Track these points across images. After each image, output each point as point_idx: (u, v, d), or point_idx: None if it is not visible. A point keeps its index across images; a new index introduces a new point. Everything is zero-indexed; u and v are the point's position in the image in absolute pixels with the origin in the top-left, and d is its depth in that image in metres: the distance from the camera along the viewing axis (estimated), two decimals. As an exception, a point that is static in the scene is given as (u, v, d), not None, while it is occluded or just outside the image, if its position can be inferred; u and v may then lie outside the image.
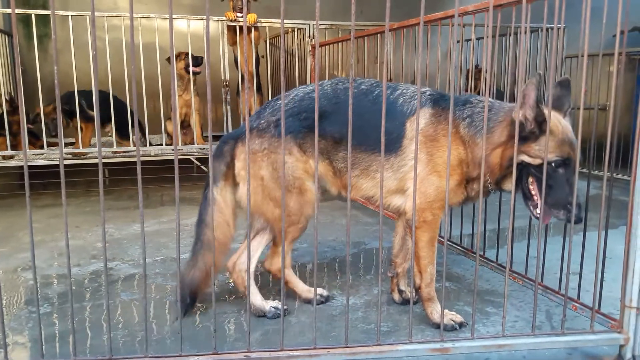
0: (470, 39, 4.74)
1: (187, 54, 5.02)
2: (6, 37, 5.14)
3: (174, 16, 4.65)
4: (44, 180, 4.54)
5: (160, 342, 2.08)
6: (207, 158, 5.16)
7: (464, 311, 2.38)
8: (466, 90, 4.76)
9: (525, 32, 1.92)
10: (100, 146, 1.62)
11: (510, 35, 2.56)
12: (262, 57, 6.61)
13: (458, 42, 4.87)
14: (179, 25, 4.92)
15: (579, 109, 2.05)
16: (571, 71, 4.93)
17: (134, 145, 5.09)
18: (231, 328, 2.23)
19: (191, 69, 4.99)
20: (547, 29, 4.89)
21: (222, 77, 5.02)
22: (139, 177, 1.61)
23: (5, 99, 4.76)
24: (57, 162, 4.60)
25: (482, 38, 4.66)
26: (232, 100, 5.24)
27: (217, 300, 2.49)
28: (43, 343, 1.88)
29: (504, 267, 2.70)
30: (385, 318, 2.31)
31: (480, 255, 2.85)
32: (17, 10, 4.58)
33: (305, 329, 2.20)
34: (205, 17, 1.66)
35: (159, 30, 4.56)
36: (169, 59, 5.05)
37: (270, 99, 5.49)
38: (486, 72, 2.06)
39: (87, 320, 2.31)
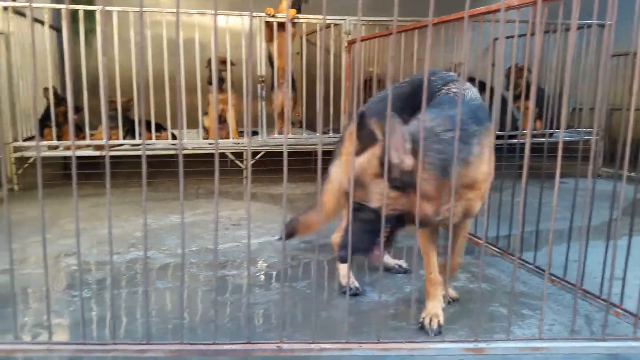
0: (511, 36, 4.64)
1: (222, 60, 5.07)
2: (55, 32, 5.33)
3: (212, 12, 4.72)
4: (86, 171, 4.70)
5: (192, 331, 2.12)
6: (242, 153, 5.25)
7: (498, 312, 2.34)
8: (507, 89, 4.66)
9: (571, 29, 1.87)
10: (144, 139, 1.67)
11: (555, 32, 2.49)
12: (297, 53, 6.64)
13: (497, 39, 4.80)
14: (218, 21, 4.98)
15: (628, 109, 1.98)
16: (618, 70, 4.77)
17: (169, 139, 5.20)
18: (262, 319, 2.26)
19: (214, 88, 5.03)
20: (589, 26, 4.75)
21: (258, 73, 5.07)
22: (181, 169, 1.65)
23: (57, 93, 4.94)
24: (97, 153, 4.75)
25: (524, 35, 4.55)
26: (267, 96, 5.29)
27: (250, 291, 2.52)
28: (85, 326, 1.94)
29: (542, 270, 2.65)
30: (417, 316, 2.29)
31: (517, 257, 2.80)
32: (66, 6, 4.74)
33: (336, 323, 2.21)
34: (244, 14, 1.68)
35: (198, 27, 4.65)
36: (209, 62, 5.13)
37: (304, 96, 5.53)
38: (529, 71, 2.02)
39: (123, 306, 2.37)
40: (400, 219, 1.86)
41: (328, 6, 1.67)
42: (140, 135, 5.04)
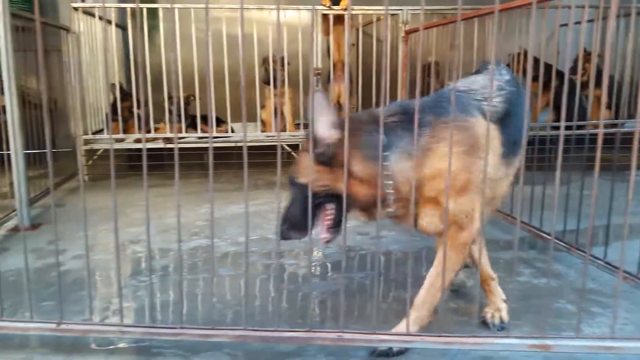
0: (578, 22, 4.42)
1: (276, 60, 5.11)
2: (120, 30, 5.57)
3: (274, 6, 4.76)
4: (151, 162, 4.87)
5: (252, 317, 2.17)
6: (298, 145, 5.30)
7: (565, 309, 2.26)
8: (574, 74, 4.45)
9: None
10: (212, 132, 1.72)
11: (627, 15, 2.35)
12: (353, 45, 6.60)
13: (564, 25, 4.58)
14: (274, 16, 5.03)
15: None
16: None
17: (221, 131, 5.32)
18: (320, 308, 2.28)
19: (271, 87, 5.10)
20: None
21: (314, 66, 5.09)
22: (245, 161, 1.68)
23: (122, 89, 5.17)
24: (165, 146, 4.92)
25: (591, 21, 4.33)
26: (324, 89, 5.30)
27: (308, 280, 2.55)
28: (154, 310, 2.03)
29: (613, 266, 2.53)
30: (479, 310, 2.25)
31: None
32: (129, 5, 4.94)
33: (397, 315, 2.20)
34: (302, 8, 1.68)
35: (256, 22, 4.72)
36: (264, 60, 5.20)
37: (359, 87, 5.49)
38: (599, 56, 1.92)
39: (185, 292, 2.46)
40: (339, 200, 1.75)
41: None
42: (203, 129, 5.18)
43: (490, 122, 1.74)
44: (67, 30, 4.78)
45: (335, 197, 1.76)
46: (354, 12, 5.16)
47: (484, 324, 2.09)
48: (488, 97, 1.78)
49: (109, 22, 4.92)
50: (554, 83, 4.20)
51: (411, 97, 5.44)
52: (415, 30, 4.92)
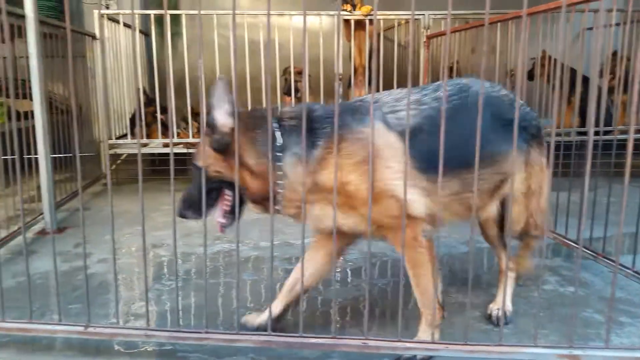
0: (605, 25, 4.35)
1: (298, 71, 5.13)
2: (144, 36, 5.65)
3: (284, 12, 4.75)
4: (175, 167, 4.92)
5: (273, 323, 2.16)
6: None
7: (592, 319, 2.21)
8: (600, 76, 4.38)
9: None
10: (238, 135, 1.73)
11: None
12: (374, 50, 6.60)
13: (589, 29, 4.52)
14: (295, 21, 5.06)
15: None
16: None
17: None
18: (344, 315, 2.28)
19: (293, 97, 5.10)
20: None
21: (336, 71, 5.09)
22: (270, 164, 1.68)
23: (146, 94, 5.24)
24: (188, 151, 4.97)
25: (617, 25, 4.26)
26: (344, 94, 5.30)
27: (330, 286, 2.55)
28: (179, 314, 2.05)
29: (642, 275, 2.48)
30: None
31: (614, 261, 2.63)
32: (153, 12, 5.01)
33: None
34: (323, 13, 1.69)
35: (277, 27, 4.74)
36: (285, 71, 5.22)
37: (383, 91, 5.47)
38: (628, 59, 1.89)
39: (207, 296, 2.46)
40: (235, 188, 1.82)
41: (406, 1, 1.64)
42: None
43: (396, 133, 1.80)
44: (93, 36, 4.86)
45: (232, 185, 1.83)
46: (373, 16, 5.15)
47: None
48: (399, 109, 1.85)
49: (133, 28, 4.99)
50: (579, 88, 4.14)
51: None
52: (437, 35, 4.90)
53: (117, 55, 5.13)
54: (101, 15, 4.86)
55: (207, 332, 1.84)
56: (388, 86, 5.37)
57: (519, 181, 2.04)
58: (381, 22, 5.36)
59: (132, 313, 2.31)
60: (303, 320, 1.99)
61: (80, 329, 1.92)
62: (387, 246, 3.16)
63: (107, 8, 5.52)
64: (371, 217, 1.76)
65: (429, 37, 5.01)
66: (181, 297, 2.48)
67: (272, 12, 1.72)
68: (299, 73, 5.06)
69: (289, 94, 5.18)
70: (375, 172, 1.75)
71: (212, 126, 1.80)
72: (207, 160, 1.83)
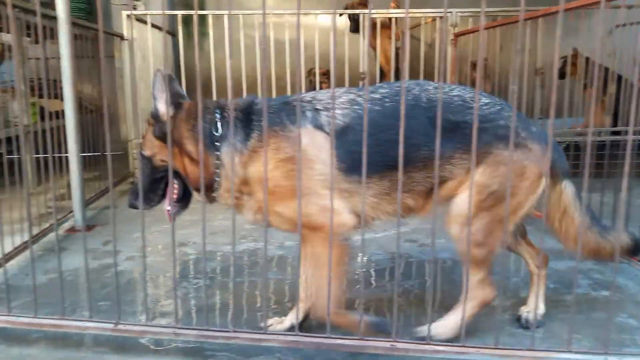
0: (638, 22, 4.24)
1: (323, 72, 5.12)
2: (170, 37, 5.71)
3: (314, 11, 4.74)
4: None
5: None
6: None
7: (627, 324, 2.15)
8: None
9: None
10: (266, 138, 1.73)
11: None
12: (399, 49, 6.55)
13: (622, 25, 4.40)
14: (320, 21, 5.05)
15: None
16: None
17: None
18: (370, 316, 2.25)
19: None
20: None
21: (360, 70, 5.07)
22: (298, 167, 1.67)
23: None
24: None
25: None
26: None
27: (354, 287, 2.53)
28: (207, 313, 2.06)
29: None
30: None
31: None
32: (179, 12, 5.06)
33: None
34: (360, 12, 1.67)
35: (303, 27, 4.73)
36: (309, 72, 5.22)
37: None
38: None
39: (232, 295, 2.48)
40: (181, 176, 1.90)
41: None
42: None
43: (324, 133, 1.82)
44: (122, 37, 4.93)
45: (178, 173, 1.89)
46: (402, 15, 5.11)
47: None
48: (330, 107, 1.84)
49: (159, 28, 5.05)
50: (611, 87, 4.04)
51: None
52: (466, 33, 4.83)
53: (145, 56, 5.19)
54: (129, 16, 4.94)
55: (234, 332, 1.85)
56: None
57: (467, 183, 1.89)
58: (407, 20, 5.30)
59: (159, 311, 2.33)
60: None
61: (111, 326, 1.94)
62: (411, 247, 3.14)
63: (135, 9, 5.60)
64: (290, 216, 1.82)
65: (457, 35, 4.94)
66: (209, 295, 2.50)
67: (304, 11, 1.70)
68: (324, 74, 5.05)
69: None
70: (295, 172, 1.79)
71: (155, 116, 1.88)
72: (153, 149, 1.91)
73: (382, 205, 1.93)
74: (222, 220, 3.63)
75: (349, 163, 1.81)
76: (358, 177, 1.78)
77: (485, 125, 1.87)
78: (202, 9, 6.21)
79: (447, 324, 1.96)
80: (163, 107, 1.84)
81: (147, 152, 1.92)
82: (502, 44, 4.97)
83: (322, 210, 1.81)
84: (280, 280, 2.68)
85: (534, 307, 2.09)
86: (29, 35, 4.05)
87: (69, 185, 3.58)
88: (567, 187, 2.04)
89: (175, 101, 1.88)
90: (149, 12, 5.13)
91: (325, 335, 1.80)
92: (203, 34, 5.22)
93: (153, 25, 5.02)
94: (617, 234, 2.01)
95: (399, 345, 1.75)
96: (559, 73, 4.75)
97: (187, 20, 5.27)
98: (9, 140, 3.13)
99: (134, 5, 6.00)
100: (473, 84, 5.40)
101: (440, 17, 5.18)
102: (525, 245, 2.27)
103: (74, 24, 3.66)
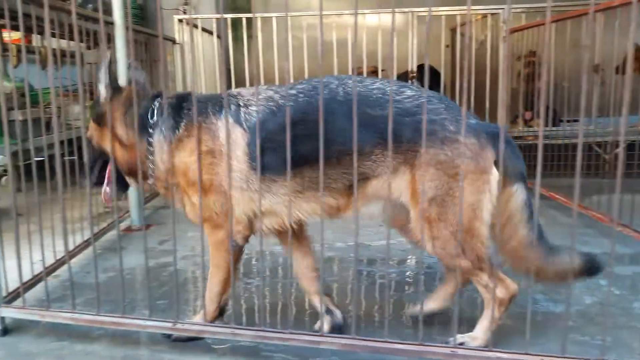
0: None
1: (372, 70, 5.09)
2: (219, 40, 5.81)
3: (364, 10, 4.68)
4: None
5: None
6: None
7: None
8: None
9: None
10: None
11: None
12: (447, 46, 6.42)
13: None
14: (368, 20, 5.02)
15: None
16: None
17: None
18: (429, 320, 2.21)
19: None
20: None
21: (409, 69, 5.00)
22: (321, 169, 1.65)
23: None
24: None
25: None
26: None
27: (411, 289, 2.49)
28: (264, 314, 2.06)
29: None
30: (599, 331, 2.06)
31: None
32: (227, 15, 5.13)
33: (511, 332, 2.08)
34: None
35: (351, 27, 4.70)
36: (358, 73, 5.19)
37: (450, 91, 5.33)
38: None
39: (284, 296, 2.48)
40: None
41: None
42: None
43: (242, 128, 1.84)
44: (173, 41, 5.05)
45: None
46: (449, 12, 5.01)
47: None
48: (251, 103, 1.86)
49: (210, 32, 5.14)
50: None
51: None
52: (522, 29, 4.69)
53: (196, 59, 5.29)
54: (180, 21, 5.05)
55: (290, 333, 1.84)
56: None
57: (398, 183, 1.81)
58: (457, 18, 5.21)
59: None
60: (383, 324, 1.96)
61: (169, 325, 1.97)
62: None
63: (185, 13, 5.72)
64: (198, 208, 1.84)
65: (514, 30, 4.80)
66: (262, 295, 2.51)
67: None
68: (373, 72, 5.01)
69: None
70: (213, 165, 1.81)
71: (96, 100, 1.96)
72: (91, 131, 2.02)
73: (298, 204, 1.88)
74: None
75: (260, 160, 1.77)
76: (269, 174, 1.80)
77: (405, 119, 1.73)
78: (248, 12, 6.28)
79: (481, 334, 1.89)
80: (102, 90, 1.92)
81: (88, 134, 2.05)
82: (556, 41, 4.79)
83: (226, 213, 1.85)
84: (331, 283, 2.66)
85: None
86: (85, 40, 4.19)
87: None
88: (517, 192, 1.84)
89: (114, 85, 1.95)
90: (199, 16, 5.24)
91: (382, 340, 1.77)
92: (251, 36, 5.28)
93: (203, 29, 5.11)
94: (563, 256, 1.83)
95: (460, 351, 1.70)
96: (619, 69, 4.56)
97: (235, 23, 5.33)
98: (70, 142, 3.24)
99: (185, 10, 6.12)
100: (526, 81, 5.24)
101: (492, 14, 5.04)
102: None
103: (128, 29, 3.76)
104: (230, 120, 1.83)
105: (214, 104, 1.91)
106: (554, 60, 4.79)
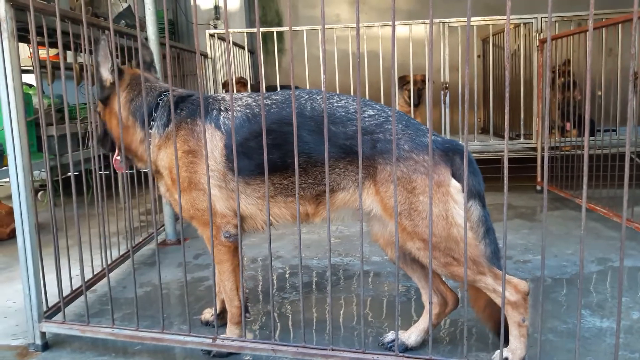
0: None
1: (409, 81, 5.11)
2: (250, 54, 5.88)
3: (414, 22, 4.66)
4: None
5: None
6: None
7: None
8: None
9: None
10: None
11: None
12: (478, 56, 6.35)
13: None
14: (399, 31, 5.00)
15: None
16: None
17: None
18: (472, 337, 2.14)
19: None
20: None
21: (442, 80, 4.95)
22: (360, 176, 1.61)
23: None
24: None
25: None
26: (453, 104, 5.12)
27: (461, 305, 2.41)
28: (305, 329, 2.03)
29: None
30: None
31: None
32: (263, 29, 5.18)
33: (557, 350, 2.00)
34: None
35: (382, 38, 4.69)
36: (402, 79, 5.20)
37: (491, 100, 5.25)
38: None
39: (326, 311, 2.44)
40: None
41: (518, 5, 1.51)
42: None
43: (220, 132, 1.93)
44: (205, 55, 5.12)
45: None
46: (482, 23, 4.96)
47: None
48: (230, 109, 1.91)
49: (242, 47, 5.19)
50: None
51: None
52: (558, 37, 4.60)
53: (226, 72, 5.36)
54: (211, 35, 5.12)
55: (332, 350, 1.80)
56: (499, 92, 5.12)
57: (365, 197, 1.85)
58: (490, 27, 5.14)
59: (251, 325, 2.33)
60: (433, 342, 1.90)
61: (209, 340, 1.96)
62: (508, 264, 2.97)
63: (216, 28, 5.81)
64: (185, 206, 1.95)
65: (542, 41, 4.71)
66: (300, 310, 2.48)
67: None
68: (422, 81, 5.06)
69: (414, 105, 5.17)
70: (193, 165, 1.92)
71: (100, 80, 2.07)
72: (98, 108, 2.19)
73: (272, 209, 1.96)
74: (306, 234, 3.64)
75: (234, 164, 1.84)
76: (241, 177, 1.90)
77: (364, 137, 1.81)
78: (279, 25, 6.33)
79: (516, 343, 1.82)
80: (106, 74, 2.05)
81: (98, 109, 2.20)
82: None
83: (205, 211, 1.93)
84: (372, 297, 2.62)
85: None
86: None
87: (158, 199, 3.72)
88: (471, 208, 1.83)
89: (114, 69, 2.02)
90: (233, 30, 5.29)
91: (427, 357, 1.72)
92: (282, 50, 5.32)
93: (234, 44, 5.17)
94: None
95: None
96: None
97: (265, 37, 5.38)
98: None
99: (214, 25, 6.22)
100: (561, 91, 5.12)
101: (525, 24, 4.97)
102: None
103: (161, 44, 3.83)
104: (212, 123, 1.96)
105: (205, 107, 1.99)
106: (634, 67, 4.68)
